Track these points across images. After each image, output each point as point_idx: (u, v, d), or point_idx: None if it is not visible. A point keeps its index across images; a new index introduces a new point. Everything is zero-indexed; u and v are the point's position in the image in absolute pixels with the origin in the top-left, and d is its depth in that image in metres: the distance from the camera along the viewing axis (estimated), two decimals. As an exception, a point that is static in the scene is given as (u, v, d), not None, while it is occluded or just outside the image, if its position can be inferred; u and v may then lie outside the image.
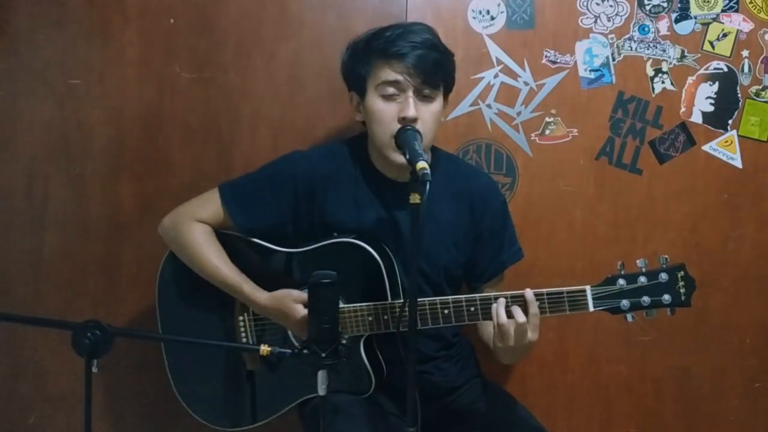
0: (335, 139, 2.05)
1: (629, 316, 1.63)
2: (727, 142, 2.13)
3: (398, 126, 1.67)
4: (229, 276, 1.76)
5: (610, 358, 2.19)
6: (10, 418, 2.22)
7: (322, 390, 1.45)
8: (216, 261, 1.77)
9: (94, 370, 1.49)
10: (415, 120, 1.67)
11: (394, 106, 1.69)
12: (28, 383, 2.21)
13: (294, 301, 1.69)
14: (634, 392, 2.20)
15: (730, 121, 2.13)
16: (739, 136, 2.13)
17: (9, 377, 2.21)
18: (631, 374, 2.19)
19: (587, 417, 2.21)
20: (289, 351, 1.51)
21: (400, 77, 1.68)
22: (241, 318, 1.83)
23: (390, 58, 1.68)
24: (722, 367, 2.19)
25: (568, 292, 1.62)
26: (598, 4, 2.11)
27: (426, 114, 1.70)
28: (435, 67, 1.70)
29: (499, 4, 2.11)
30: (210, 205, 1.83)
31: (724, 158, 2.14)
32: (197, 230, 1.79)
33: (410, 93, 1.68)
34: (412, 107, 1.67)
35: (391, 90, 1.69)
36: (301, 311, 1.67)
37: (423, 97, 1.70)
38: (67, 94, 2.13)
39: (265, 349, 1.51)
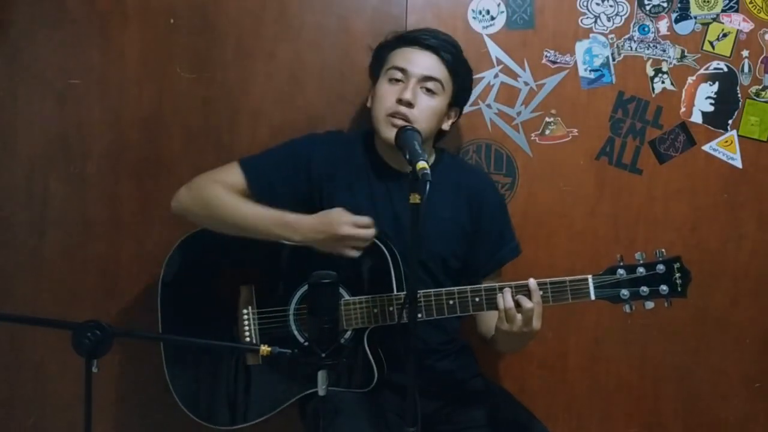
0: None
1: (628, 307, 1.68)
2: (727, 142, 2.14)
3: (395, 105, 1.75)
4: (266, 211, 1.75)
5: (610, 358, 2.19)
6: (10, 418, 2.22)
7: (322, 390, 1.45)
8: (244, 204, 1.77)
9: (94, 370, 1.48)
10: (410, 104, 1.75)
11: (397, 89, 1.78)
12: (28, 383, 2.21)
13: (343, 215, 1.71)
14: (634, 392, 2.20)
15: (730, 121, 2.13)
16: (739, 136, 2.13)
17: (9, 377, 2.21)
18: (631, 374, 2.20)
19: (587, 417, 2.21)
20: (289, 351, 1.51)
21: (408, 66, 1.77)
22: (245, 311, 1.84)
23: (410, 43, 1.80)
24: (722, 367, 2.19)
25: (570, 281, 1.68)
26: (598, 4, 2.11)
27: (423, 104, 1.77)
28: (445, 64, 1.79)
29: (499, 4, 2.11)
30: (229, 175, 1.84)
31: (724, 158, 2.14)
32: (220, 187, 1.80)
33: (413, 81, 1.77)
34: (410, 90, 1.76)
35: (398, 75, 1.79)
36: (345, 227, 1.69)
37: (426, 90, 1.78)
38: (67, 94, 2.13)
39: (265, 349, 1.51)
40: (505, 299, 1.65)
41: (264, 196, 1.82)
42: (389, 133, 1.74)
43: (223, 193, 1.79)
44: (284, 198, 1.82)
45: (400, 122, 1.74)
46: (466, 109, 2.12)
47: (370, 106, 1.85)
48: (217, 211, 1.79)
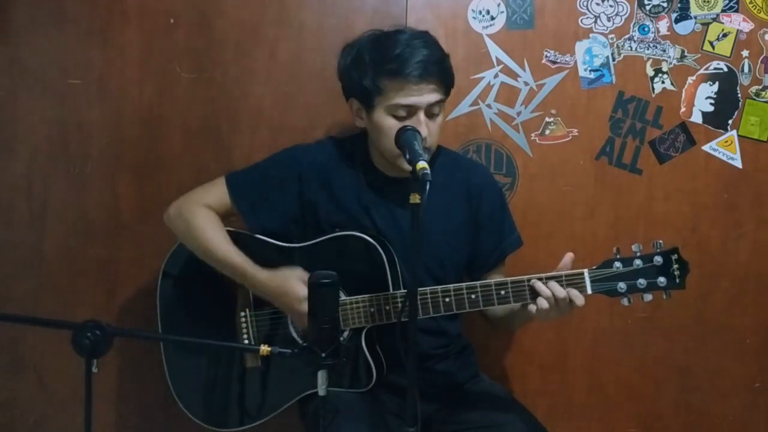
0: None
1: (625, 300, 1.66)
2: (727, 142, 2.13)
3: None
4: (235, 257, 1.77)
5: (610, 358, 2.19)
6: (10, 418, 2.22)
7: (322, 390, 1.45)
8: (220, 240, 1.78)
9: (94, 370, 1.48)
10: (424, 139, 1.69)
11: (404, 121, 1.71)
12: (28, 383, 2.21)
13: (299, 279, 1.70)
14: (634, 392, 2.20)
15: (730, 121, 2.13)
16: (739, 136, 2.13)
17: (9, 377, 2.21)
18: (631, 374, 2.20)
19: (587, 417, 2.21)
20: (289, 351, 1.50)
21: (416, 102, 1.69)
22: (243, 314, 1.84)
23: (402, 81, 1.68)
24: (722, 367, 2.19)
25: (566, 275, 1.65)
26: (598, 4, 2.11)
27: (434, 128, 1.74)
28: (444, 86, 1.73)
29: (499, 4, 2.11)
30: (216, 193, 1.85)
31: (724, 158, 2.14)
32: (203, 213, 1.81)
33: (421, 114, 1.70)
34: (423, 125, 1.69)
35: (404, 113, 1.70)
36: (303, 290, 1.65)
37: (432, 113, 1.73)
38: (67, 94, 2.13)
39: (264, 349, 1.50)
40: (557, 290, 1.62)
41: (250, 215, 1.83)
42: (408, 166, 1.60)
43: (205, 220, 1.80)
44: (272, 215, 1.83)
45: None
46: (466, 109, 2.13)
47: (362, 126, 1.80)
48: (194, 242, 1.81)
